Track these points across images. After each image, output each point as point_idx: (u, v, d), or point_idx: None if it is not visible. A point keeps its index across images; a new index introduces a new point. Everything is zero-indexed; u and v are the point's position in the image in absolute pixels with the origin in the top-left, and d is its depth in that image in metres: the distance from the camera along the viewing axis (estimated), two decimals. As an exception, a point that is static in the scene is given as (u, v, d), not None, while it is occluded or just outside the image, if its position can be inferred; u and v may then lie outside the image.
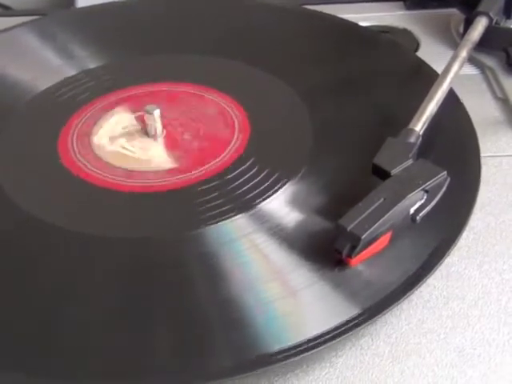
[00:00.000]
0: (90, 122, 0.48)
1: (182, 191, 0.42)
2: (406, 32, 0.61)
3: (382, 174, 0.39)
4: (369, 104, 0.48)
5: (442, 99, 0.45)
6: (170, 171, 0.43)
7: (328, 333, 0.34)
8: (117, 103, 0.50)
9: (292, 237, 0.39)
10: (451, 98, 0.46)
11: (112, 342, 0.35)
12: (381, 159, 0.40)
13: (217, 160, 0.44)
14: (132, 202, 0.42)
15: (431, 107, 0.44)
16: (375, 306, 0.35)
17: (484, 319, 0.37)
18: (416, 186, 0.37)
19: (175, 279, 0.37)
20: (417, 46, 0.59)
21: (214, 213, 0.40)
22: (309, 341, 0.34)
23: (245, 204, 0.41)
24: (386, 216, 0.36)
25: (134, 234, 0.40)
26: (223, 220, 0.39)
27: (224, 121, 0.47)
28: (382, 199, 0.37)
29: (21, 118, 0.49)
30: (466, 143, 0.44)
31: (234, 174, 0.43)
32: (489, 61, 0.55)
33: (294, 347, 0.34)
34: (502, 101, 0.52)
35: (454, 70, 0.46)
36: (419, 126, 0.42)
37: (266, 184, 0.42)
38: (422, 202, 0.38)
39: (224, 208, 0.40)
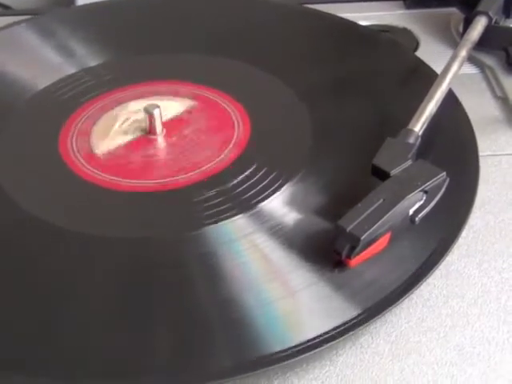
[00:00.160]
0: (90, 121, 0.48)
1: (181, 191, 0.42)
2: (405, 31, 0.61)
3: (382, 175, 0.39)
4: (368, 104, 0.48)
5: (441, 99, 0.45)
6: (171, 170, 0.43)
7: (328, 333, 0.34)
8: (117, 102, 0.50)
9: (292, 237, 0.39)
10: (450, 98, 0.46)
11: (112, 342, 0.35)
12: (380, 160, 0.40)
13: (216, 160, 0.44)
14: (132, 201, 0.42)
15: (430, 107, 0.44)
16: (375, 307, 0.35)
17: (483, 318, 0.37)
18: (415, 186, 0.37)
19: (175, 279, 0.37)
20: (416, 46, 0.59)
21: (213, 213, 0.40)
22: (309, 341, 0.34)
23: (244, 204, 0.41)
24: (385, 217, 0.36)
25: (133, 234, 0.40)
26: (223, 220, 0.40)
27: (224, 120, 0.47)
28: (381, 200, 0.37)
29: (20, 116, 0.49)
30: (464, 144, 0.44)
31: (233, 173, 0.43)
32: (488, 60, 0.55)
33: (295, 347, 0.34)
34: (502, 100, 0.52)
35: (454, 70, 0.46)
36: (418, 126, 0.42)
37: (266, 184, 0.42)
38: (421, 202, 0.38)
39: (224, 208, 0.40)
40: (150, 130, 0.46)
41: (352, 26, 0.56)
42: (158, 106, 0.46)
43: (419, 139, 0.42)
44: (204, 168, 0.43)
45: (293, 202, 0.41)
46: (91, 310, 0.36)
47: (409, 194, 0.37)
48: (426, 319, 0.37)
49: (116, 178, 0.43)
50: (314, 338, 0.34)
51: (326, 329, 0.34)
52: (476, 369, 0.35)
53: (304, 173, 0.42)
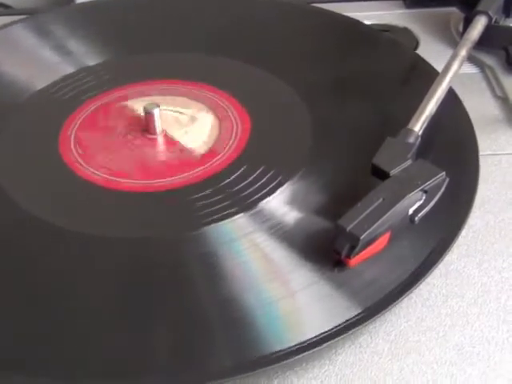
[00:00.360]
0: (89, 120, 0.48)
1: (181, 191, 0.42)
2: (405, 31, 0.61)
3: (381, 175, 0.39)
4: (369, 103, 0.48)
5: (441, 98, 0.45)
6: (171, 170, 0.43)
7: (327, 332, 0.34)
8: (116, 100, 0.50)
9: (291, 236, 0.39)
10: (450, 97, 0.46)
11: (112, 342, 0.35)
12: (380, 159, 0.40)
13: (216, 159, 0.44)
14: (132, 201, 0.42)
15: (430, 107, 0.44)
16: (375, 306, 0.35)
17: (483, 317, 0.37)
18: (415, 186, 0.38)
19: (175, 279, 0.37)
20: (416, 45, 0.59)
21: (213, 212, 0.40)
22: (308, 340, 0.34)
23: (244, 203, 0.41)
24: (384, 216, 0.36)
25: (133, 234, 0.40)
26: (223, 220, 0.40)
27: (223, 120, 0.47)
28: (381, 199, 0.37)
29: (20, 116, 0.49)
30: (464, 143, 0.44)
31: (233, 173, 0.43)
32: (488, 59, 0.55)
33: (294, 347, 0.34)
34: (502, 99, 0.52)
35: (454, 69, 0.46)
36: (418, 126, 0.42)
37: (266, 183, 0.42)
38: (421, 202, 0.38)
39: (224, 207, 0.40)
40: (149, 130, 0.46)
41: (353, 24, 0.56)
42: (157, 106, 0.46)
43: (419, 139, 0.42)
44: (204, 167, 0.43)
45: (293, 202, 0.41)
46: (91, 310, 0.36)
47: (408, 193, 0.37)
48: (425, 319, 0.37)
49: (116, 178, 0.43)
50: (314, 338, 0.34)
51: (326, 328, 0.34)
52: (475, 368, 0.35)
53: (304, 172, 0.42)
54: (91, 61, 0.54)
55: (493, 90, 0.53)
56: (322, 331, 0.34)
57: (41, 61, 0.54)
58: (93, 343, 0.35)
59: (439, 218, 0.38)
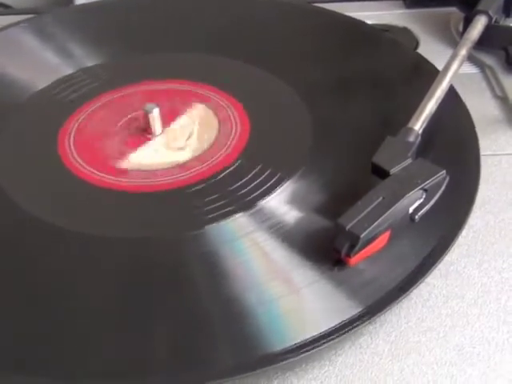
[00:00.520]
0: (89, 121, 0.48)
1: (181, 191, 0.42)
2: (405, 31, 0.61)
3: (381, 173, 0.39)
4: (368, 103, 0.48)
5: (441, 98, 0.45)
6: (170, 170, 0.43)
7: (328, 331, 0.34)
8: (115, 101, 0.50)
9: (291, 235, 0.39)
10: (451, 95, 0.46)
11: (112, 342, 0.35)
12: (380, 158, 0.40)
13: (216, 159, 0.44)
14: (132, 201, 0.42)
15: (430, 106, 0.44)
16: (375, 305, 0.35)
17: (483, 318, 0.37)
18: (415, 185, 0.38)
19: (175, 279, 0.37)
20: (416, 45, 0.59)
21: (213, 211, 0.40)
22: (309, 340, 0.34)
23: (244, 203, 0.41)
24: (384, 215, 0.36)
25: (133, 234, 0.40)
26: (223, 219, 0.40)
27: (223, 120, 0.47)
28: (380, 198, 0.37)
29: (20, 117, 0.49)
30: (465, 141, 0.44)
31: (233, 172, 0.43)
32: (488, 59, 0.55)
33: (295, 346, 0.34)
34: (502, 99, 0.52)
35: (454, 69, 0.46)
36: (418, 124, 0.42)
37: (266, 183, 0.42)
38: (421, 201, 0.38)
39: (224, 207, 0.40)
40: (149, 130, 0.46)
41: (353, 24, 0.56)
42: (157, 106, 0.46)
43: (419, 138, 0.42)
44: (204, 167, 0.43)
45: (293, 201, 0.41)
46: (91, 310, 0.36)
47: (408, 192, 0.37)
48: (425, 319, 0.37)
49: (115, 178, 0.43)
50: (314, 337, 0.34)
51: (326, 327, 0.34)
52: (476, 369, 0.35)
53: (304, 171, 0.42)
54: (91, 61, 0.54)
55: (493, 90, 0.53)
56: (322, 330, 0.34)
57: (41, 61, 0.54)
58: (93, 343, 0.35)
59: (440, 216, 0.38)
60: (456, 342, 0.36)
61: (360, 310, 0.35)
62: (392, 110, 0.47)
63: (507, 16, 0.55)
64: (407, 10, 0.63)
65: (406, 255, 0.38)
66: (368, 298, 0.35)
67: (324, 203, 0.41)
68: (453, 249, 0.38)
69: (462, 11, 0.58)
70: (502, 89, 0.52)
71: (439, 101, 0.44)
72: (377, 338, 0.36)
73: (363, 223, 0.36)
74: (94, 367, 0.34)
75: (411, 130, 0.42)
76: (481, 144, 0.44)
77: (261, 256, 0.38)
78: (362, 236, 0.36)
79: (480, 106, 0.51)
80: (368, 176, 0.40)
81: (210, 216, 0.40)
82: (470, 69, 0.55)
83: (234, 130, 0.46)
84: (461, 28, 0.58)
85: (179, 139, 0.46)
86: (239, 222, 0.40)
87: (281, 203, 0.41)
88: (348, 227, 0.36)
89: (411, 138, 0.41)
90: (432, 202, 0.38)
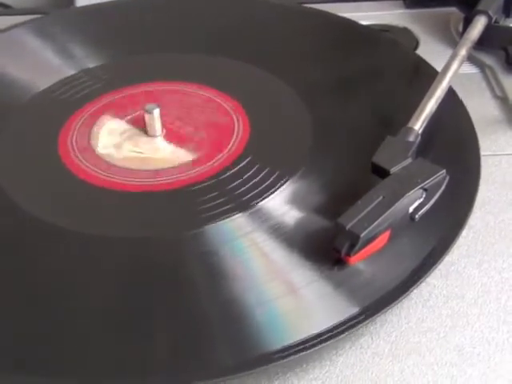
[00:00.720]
0: (89, 122, 0.48)
1: (181, 191, 0.42)
2: (405, 31, 0.61)
3: (382, 173, 0.39)
4: (368, 103, 0.48)
5: (441, 98, 0.45)
6: (170, 170, 0.43)
7: (328, 331, 0.34)
8: (116, 102, 0.50)
9: (291, 235, 0.39)
10: (451, 96, 0.46)
11: (112, 342, 0.35)
12: (380, 158, 0.40)
13: (216, 159, 0.44)
14: (132, 201, 0.42)
15: (430, 106, 0.44)
16: (375, 305, 0.35)
17: (483, 318, 0.37)
18: (415, 184, 0.38)
19: (175, 279, 0.37)
20: (416, 45, 0.59)
21: (213, 212, 0.40)
22: (309, 339, 0.34)
23: (244, 203, 0.41)
24: (384, 214, 0.36)
25: (133, 234, 0.40)
26: (223, 219, 0.40)
27: (223, 120, 0.47)
28: (380, 197, 0.37)
29: (20, 117, 0.49)
30: (465, 141, 0.44)
31: (233, 173, 0.43)
32: (488, 59, 0.55)
33: (295, 346, 0.34)
34: (502, 99, 0.52)
35: (454, 69, 0.46)
36: (418, 124, 0.42)
37: (266, 183, 0.42)
38: (421, 200, 0.38)
39: (224, 207, 0.40)
40: (149, 131, 0.46)
41: (352, 25, 0.56)
42: (157, 106, 0.46)
43: (419, 137, 0.42)
44: (204, 167, 0.43)
45: (293, 201, 0.41)
46: (91, 310, 0.36)
47: (408, 191, 0.37)
48: (425, 319, 0.37)
49: (116, 178, 0.43)
50: (315, 337, 0.34)
51: (326, 327, 0.34)
52: (476, 369, 0.35)
53: (304, 171, 0.42)
54: (92, 63, 0.54)
55: (492, 90, 0.53)
56: (323, 329, 0.34)
57: (42, 62, 0.54)
58: (93, 343, 0.35)
59: (440, 216, 0.38)
60: (456, 342, 0.36)
61: (360, 309, 0.35)
62: (392, 109, 0.47)
63: (507, 16, 0.55)
64: (407, 10, 0.63)
65: (406, 255, 0.38)
66: (368, 297, 0.35)
67: (324, 203, 0.41)
68: (453, 249, 0.38)
69: (462, 11, 0.58)
70: (502, 89, 0.52)
71: (439, 100, 0.44)
72: (377, 339, 0.36)
73: (363, 223, 0.36)
74: (94, 367, 0.34)
75: (411, 129, 0.42)
76: (481, 144, 0.44)
77: (261, 255, 0.38)
78: (362, 235, 0.36)
79: (480, 106, 0.51)
80: (368, 176, 0.40)
81: (210, 216, 0.40)
82: (469, 69, 0.55)
83: (233, 130, 0.46)
84: (461, 28, 0.58)
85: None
86: (239, 221, 0.40)
87: (281, 203, 0.41)
88: (348, 227, 0.36)
89: (411, 138, 0.41)
90: (432, 202, 0.38)
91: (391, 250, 0.37)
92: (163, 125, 0.46)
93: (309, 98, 0.48)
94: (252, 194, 0.41)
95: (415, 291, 0.37)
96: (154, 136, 0.46)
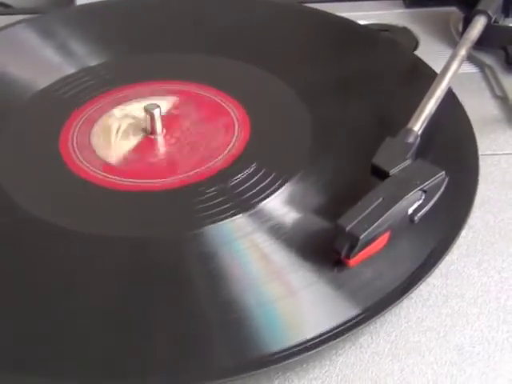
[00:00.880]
0: (90, 121, 0.48)
1: (181, 191, 0.42)
2: (405, 30, 0.61)
3: (381, 174, 0.39)
4: (368, 103, 0.48)
5: (441, 98, 0.45)
6: (171, 170, 0.44)
7: (328, 333, 0.34)
8: (117, 101, 0.50)
9: (291, 236, 0.39)
10: (449, 97, 0.46)
11: (112, 342, 0.35)
12: (379, 159, 0.40)
13: (216, 160, 0.44)
14: (132, 201, 0.42)
15: (430, 106, 0.44)
16: (374, 306, 0.35)
17: (483, 317, 0.37)
18: (414, 186, 0.38)
19: (175, 279, 0.37)
20: (416, 45, 0.59)
21: (213, 212, 0.40)
22: (309, 341, 0.34)
23: (244, 204, 0.41)
24: (384, 216, 0.36)
25: (133, 234, 0.40)
26: (223, 220, 0.40)
27: (223, 120, 0.47)
28: (380, 199, 0.37)
29: (21, 116, 0.49)
30: (464, 143, 0.44)
31: (233, 173, 0.43)
32: (488, 59, 0.55)
33: (295, 347, 0.34)
34: (501, 99, 0.52)
35: (453, 69, 0.46)
36: (418, 125, 0.42)
37: (266, 184, 0.42)
38: (420, 202, 0.38)
39: (224, 208, 0.40)
40: (150, 130, 0.46)
41: (352, 25, 0.56)
42: (157, 106, 0.46)
43: (418, 138, 0.42)
44: (204, 167, 0.43)
45: (292, 202, 0.41)
46: (91, 310, 0.36)
47: (408, 193, 0.37)
48: (425, 319, 0.37)
49: (116, 178, 0.43)
50: (314, 338, 0.34)
51: (326, 328, 0.34)
52: (475, 368, 0.35)
53: (304, 172, 0.42)
54: (92, 61, 0.54)
55: (492, 90, 0.53)
56: (322, 331, 0.34)
57: (43, 61, 0.54)
58: (93, 343, 0.35)
59: (439, 217, 0.38)
60: (456, 341, 0.36)
61: (360, 310, 0.35)
62: (392, 109, 0.47)
63: (506, 16, 0.55)
64: (407, 10, 0.63)
65: (406, 256, 0.38)
66: (367, 299, 0.35)
67: (324, 204, 0.41)
68: (453, 249, 0.38)
69: (462, 11, 0.58)
70: (502, 89, 0.52)
71: (439, 101, 0.44)
72: (377, 338, 0.36)
73: (363, 224, 0.36)
74: (94, 367, 0.34)
75: (411, 130, 0.42)
76: (480, 144, 0.44)
77: (261, 257, 0.38)
78: (361, 237, 0.36)
79: (479, 105, 0.51)
80: (368, 177, 0.40)
81: (211, 216, 0.40)
82: (469, 68, 0.55)
83: (233, 131, 0.46)
84: (460, 28, 0.58)
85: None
86: (239, 222, 0.40)
87: (281, 204, 0.41)
88: (348, 228, 0.36)
89: (411, 139, 0.41)
90: (431, 203, 0.38)
91: (391, 251, 0.37)
92: (163, 125, 0.46)
93: (309, 98, 0.48)
94: (252, 194, 0.41)
95: (415, 291, 0.37)
96: (154, 135, 0.46)
